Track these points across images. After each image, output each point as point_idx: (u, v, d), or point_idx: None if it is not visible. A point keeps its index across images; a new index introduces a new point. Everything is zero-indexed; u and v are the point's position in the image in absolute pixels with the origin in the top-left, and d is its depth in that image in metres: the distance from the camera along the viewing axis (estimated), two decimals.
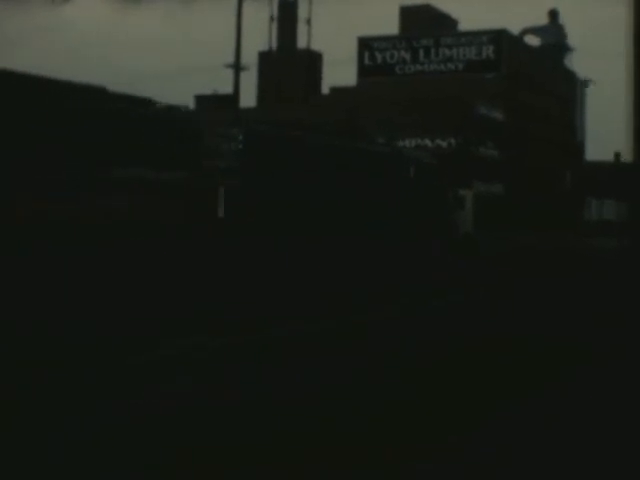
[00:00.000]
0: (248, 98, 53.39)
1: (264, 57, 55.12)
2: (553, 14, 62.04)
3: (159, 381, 8.75)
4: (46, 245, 15.89)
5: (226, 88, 35.47)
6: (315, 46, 55.95)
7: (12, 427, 6.82)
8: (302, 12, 54.90)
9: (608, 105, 53.80)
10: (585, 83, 65.00)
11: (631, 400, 8.39)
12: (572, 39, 64.07)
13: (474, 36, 52.89)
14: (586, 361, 10.65)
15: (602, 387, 8.96)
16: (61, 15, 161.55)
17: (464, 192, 37.67)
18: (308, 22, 54.47)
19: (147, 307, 13.72)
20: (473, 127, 46.20)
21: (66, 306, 13.09)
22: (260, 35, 54.01)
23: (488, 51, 52.31)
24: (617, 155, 74.29)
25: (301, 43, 55.45)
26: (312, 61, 55.49)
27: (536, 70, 55.47)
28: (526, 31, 60.26)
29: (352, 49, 55.38)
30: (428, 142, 45.04)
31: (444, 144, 45.13)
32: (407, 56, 54.16)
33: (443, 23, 55.17)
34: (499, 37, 52.31)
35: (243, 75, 33.96)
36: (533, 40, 61.16)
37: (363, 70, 54.92)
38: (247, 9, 33.15)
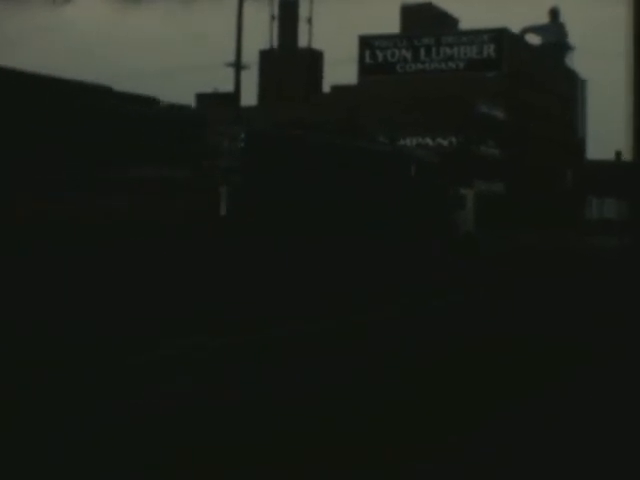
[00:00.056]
0: (249, 97, 53.53)
1: (265, 56, 55.12)
2: (554, 13, 62.01)
3: (159, 381, 8.75)
4: (46, 245, 15.88)
5: (227, 86, 35.57)
6: (316, 45, 56.01)
7: (12, 427, 6.82)
8: (303, 11, 54.95)
9: (609, 104, 53.87)
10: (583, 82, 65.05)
11: (631, 400, 8.40)
12: (572, 39, 64.09)
13: (475, 35, 52.90)
14: (586, 361, 10.65)
15: (602, 387, 8.96)
16: (61, 15, 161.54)
17: (465, 191, 37.64)
18: (309, 21, 54.51)
19: (147, 307, 13.71)
20: (474, 126, 46.21)
21: (66, 306, 13.09)
22: (261, 34, 54.07)
23: (489, 50, 52.32)
24: (618, 154, 74.23)
25: (302, 42, 55.50)
26: (313, 60, 55.48)
27: (537, 69, 55.47)
28: (527, 30, 60.24)
29: (353, 48, 55.47)
30: (429, 141, 45.06)
31: (445, 143, 45.14)
32: (408, 55, 54.17)
33: (444, 22, 55.18)
34: (500, 36, 52.31)
35: (244, 74, 33.96)
36: (534, 39, 61.18)
37: (364, 69, 54.93)
38: (248, 8, 33.16)
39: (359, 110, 45.59)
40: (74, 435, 6.57)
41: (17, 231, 15.73)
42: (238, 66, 32.03)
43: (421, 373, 9.54)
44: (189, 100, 44.59)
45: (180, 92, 42.10)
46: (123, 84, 20.53)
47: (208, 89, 46.96)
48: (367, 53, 55.05)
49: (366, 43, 55.19)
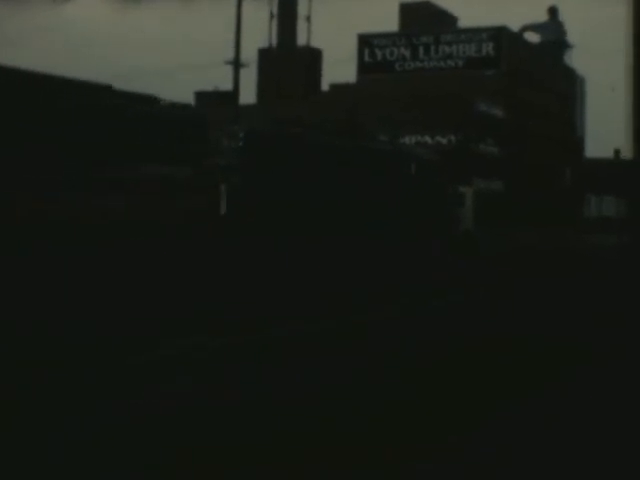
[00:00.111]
0: (248, 95, 53.30)
1: (264, 54, 55.05)
2: (553, 11, 61.93)
3: (159, 381, 8.76)
4: (46, 245, 15.87)
5: (226, 85, 35.50)
6: (315, 43, 55.90)
7: (12, 427, 6.83)
8: (302, 9, 54.82)
9: (608, 102, 53.86)
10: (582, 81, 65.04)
11: (631, 400, 8.40)
12: (572, 37, 64.05)
13: (474, 33, 52.85)
14: (586, 361, 10.66)
15: (602, 387, 8.97)
16: (61, 15, 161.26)
17: (464, 189, 37.66)
18: (308, 19, 54.44)
19: (147, 307, 13.72)
20: (473, 124, 46.18)
21: (66, 306, 13.09)
22: (260, 32, 53.96)
23: (488, 48, 52.27)
24: (617, 152, 74.21)
25: (301, 40, 55.40)
26: (312, 58, 55.42)
27: (536, 67, 55.43)
28: (526, 28, 60.17)
29: (352, 46, 55.39)
30: (428, 139, 45.03)
31: (444, 141, 45.10)
32: (407, 53, 54.13)
33: (443, 20, 55.12)
34: (499, 34, 52.27)
35: (243, 72, 33.98)
36: (533, 37, 61.12)
37: (363, 67, 54.89)
38: (247, 6, 33.04)
39: (358, 108, 45.53)
40: (74, 435, 6.57)
41: (20, 231, 15.72)
42: (237, 64, 32.00)
43: (421, 373, 9.54)
44: (188, 99, 44.52)
45: (179, 91, 42.11)
46: (123, 83, 20.53)
47: (208, 87, 46.83)
48: (366, 51, 55.01)
49: (365, 41, 55.15)
